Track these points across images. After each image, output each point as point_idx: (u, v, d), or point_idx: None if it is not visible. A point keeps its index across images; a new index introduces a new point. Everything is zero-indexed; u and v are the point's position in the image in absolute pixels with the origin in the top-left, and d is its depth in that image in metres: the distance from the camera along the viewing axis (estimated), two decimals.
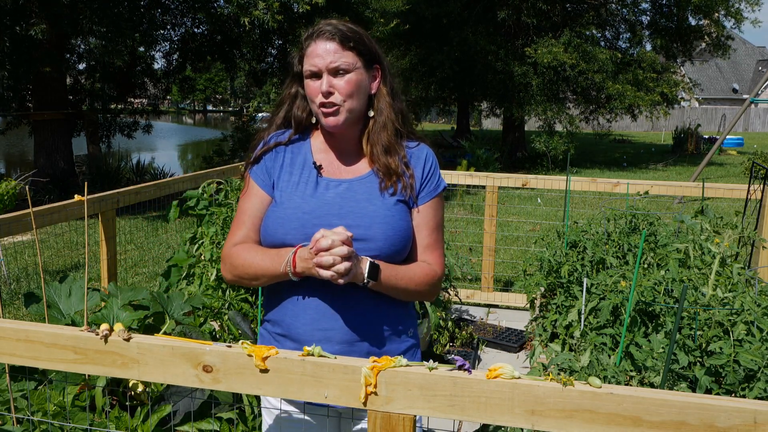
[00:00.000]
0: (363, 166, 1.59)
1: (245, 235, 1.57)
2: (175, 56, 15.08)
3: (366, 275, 1.43)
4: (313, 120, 1.62)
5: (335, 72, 1.51)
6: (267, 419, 1.67)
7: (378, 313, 1.54)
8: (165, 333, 2.57)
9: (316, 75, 1.52)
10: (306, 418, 1.61)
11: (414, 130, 1.66)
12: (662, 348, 2.10)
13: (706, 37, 18.41)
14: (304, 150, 1.62)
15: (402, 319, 1.60)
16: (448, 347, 4.17)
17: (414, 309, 1.67)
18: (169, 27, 14.02)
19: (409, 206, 1.57)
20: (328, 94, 1.51)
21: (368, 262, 1.44)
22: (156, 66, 17.52)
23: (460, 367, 1.12)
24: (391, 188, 1.55)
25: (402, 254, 1.55)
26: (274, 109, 1.67)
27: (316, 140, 1.64)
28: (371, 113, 1.59)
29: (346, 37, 1.52)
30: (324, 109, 1.52)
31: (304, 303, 1.51)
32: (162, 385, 2.23)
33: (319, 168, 1.58)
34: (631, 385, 2.10)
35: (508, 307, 5.20)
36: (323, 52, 1.51)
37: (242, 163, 4.59)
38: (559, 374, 1.10)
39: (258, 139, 1.66)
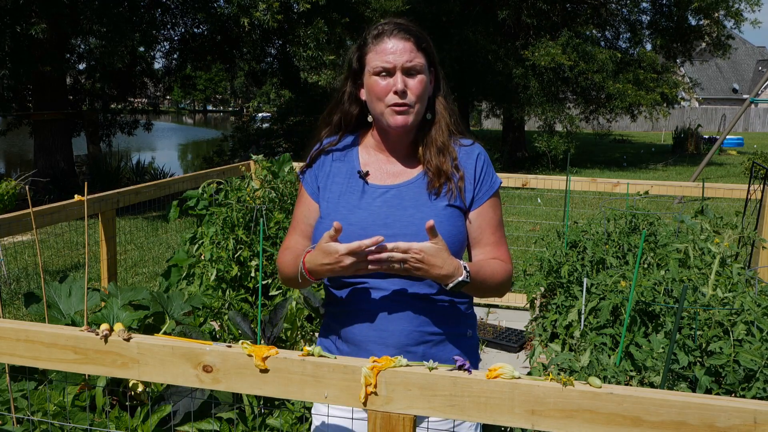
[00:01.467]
0: (412, 170, 1.54)
1: (295, 240, 1.61)
2: (175, 56, 15.09)
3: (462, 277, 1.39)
4: (369, 118, 1.56)
5: (409, 72, 1.46)
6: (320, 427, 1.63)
7: (435, 317, 1.49)
8: (165, 333, 2.58)
9: (389, 73, 1.46)
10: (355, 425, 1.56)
11: (465, 131, 1.62)
12: (662, 348, 2.10)
13: (706, 37, 18.40)
14: (351, 158, 1.58)
15: (460, 321, 1.55)
16: None
17: (472, 310, 1.61)
18: (169, 27, 14.02)
19: (462, 210, 1.52)
20: (403, 94, 1.45)
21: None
22: (156, 66, 17.55)
23: (460, 367, 1.12)
24: (437, 189, 1.50)
25: None
26: (330, 107, 1.62)
27: (365, 145, 1.59)
28: (428, 116, 1.55)
29: (419, 38, 1.49)
30: (396, 108, 1.46)
31: (360, 305, 1.49)
32: (162, 385, 2.23)
33: (365, 175, 1.54)
34: (631, 385, 2.10)
35: (508, 307, 5.20)
36: (399, 50, 1.45)
37: (242, 163, 4.61)
38: (559, 374, 1.10)
39: (314, 141, 1.63)
